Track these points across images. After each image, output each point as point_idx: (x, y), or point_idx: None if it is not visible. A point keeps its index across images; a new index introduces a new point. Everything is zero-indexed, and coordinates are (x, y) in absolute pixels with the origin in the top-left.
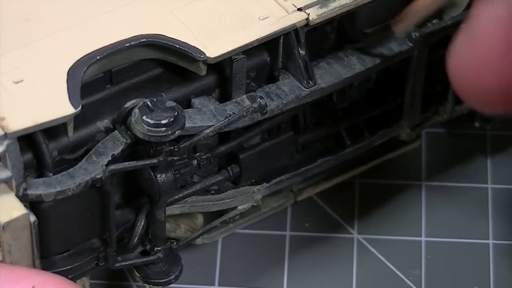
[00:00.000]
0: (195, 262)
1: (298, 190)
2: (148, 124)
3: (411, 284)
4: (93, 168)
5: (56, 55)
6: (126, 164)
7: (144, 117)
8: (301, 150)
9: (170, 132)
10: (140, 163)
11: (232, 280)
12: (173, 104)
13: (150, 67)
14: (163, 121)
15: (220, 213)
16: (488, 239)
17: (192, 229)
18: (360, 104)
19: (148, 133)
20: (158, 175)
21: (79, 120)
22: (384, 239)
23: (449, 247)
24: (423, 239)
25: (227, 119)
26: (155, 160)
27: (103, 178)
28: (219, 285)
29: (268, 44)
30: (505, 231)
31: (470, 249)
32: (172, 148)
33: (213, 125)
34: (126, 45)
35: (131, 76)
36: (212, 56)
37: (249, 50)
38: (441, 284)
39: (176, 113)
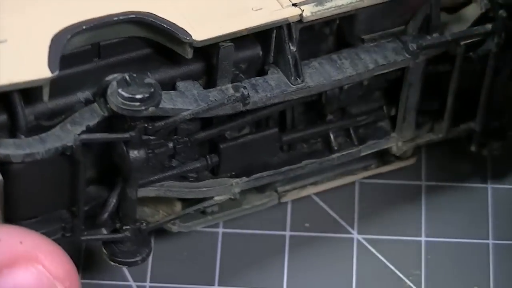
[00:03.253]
0: (195, 262)
1: (282, 192)
2: (123, 97)
3: (411, 284)
4: (66, 135)
5: (44, 22)
6: (98, 135)
7: (119, 90)
8: (287, 150)
9: (143, 108)
10: (112, 136)
11: (232, 280)
12: (151, 81)
13: (139, 46)
14: (138, 96)
15: (199, 202)
16: (488, 239)
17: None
18: (352, 110)
19: (122, 106)
20: (131, 151)
21: (60, 88)
22: (384, 239)
23: (449, 247)
24: (423, 239)
25: (207, 105)
26: (127, 135)
27: (74, 146)
28: (219, 285)
29: (262, 38)
30: (505, 231)
31: (470, 249)
32: (146, 125)
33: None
34: (114, 19)
35: (119, 52)
36: (198, 39)
37: (242, 42)
38: (441, 284)
39: (152, 89)
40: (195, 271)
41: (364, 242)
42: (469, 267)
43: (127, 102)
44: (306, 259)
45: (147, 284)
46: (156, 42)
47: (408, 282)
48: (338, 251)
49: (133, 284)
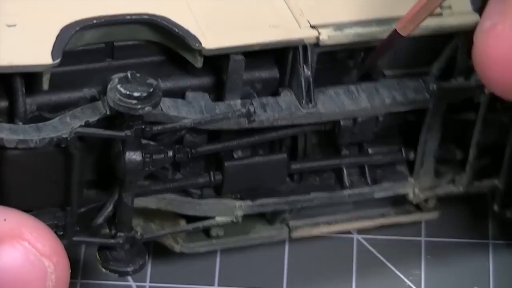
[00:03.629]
0: (195, 262)
1: (294, 227)
2: (120, 93)
3: (411, 284)
4: (63, 127)
5: (58, 14)
6: (93, 130)
7: (118, 86)
8: (298, 180)
9: (139, 106)
10: (107, 132)
11: (232, 280)
12: (153, 82)
13: (154, 52)
14: (135, 94)
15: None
16: (488, 239)
17: (175, 235)
18: (368, 148)
19: (118, 102)
20: (127, 152)
21: (67, 82)
22: (384, 239)
23: (449, 247)
24: (423, 239)
25: (210, 116)
26: (122, 133)
27: (69, 138)
28: (219, 285)
29: (279, 60)
30: (505, 231)
31: (470, 249)
32: (143, 127)
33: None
34: (126, 18)
35: (133, 55)
36: (207, 47)
37: (260, 62)
38: (441, 284)
39: (151, 90)
40: (195, 271)
41: (364, 242)
42: (469, 267)
43: (124, 99)
44: (306, 259)
45: (147, 284)
46: (170, 50)
47: (408, 282)
48: (338, 251)
49: (133, 284)
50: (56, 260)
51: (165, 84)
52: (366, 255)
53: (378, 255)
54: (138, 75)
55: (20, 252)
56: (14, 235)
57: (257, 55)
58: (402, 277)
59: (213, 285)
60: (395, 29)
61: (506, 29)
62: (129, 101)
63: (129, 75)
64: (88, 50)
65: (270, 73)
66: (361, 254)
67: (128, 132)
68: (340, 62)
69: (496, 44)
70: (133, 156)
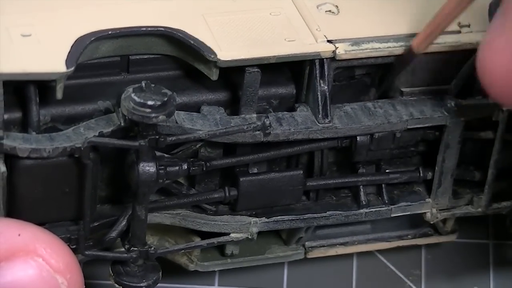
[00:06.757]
0: None
1: (310, 247)
2: (134, 102)
3: (411, 284)
4: (76, 137)
5: (73, 25)
6: (107, 140)
7: (132, 95)
8: (314, 198)
9: (153, 115)
10: (121, 142)
11: (232, 280)
12: (168, 92)
13: (169, 66)
14: (149, 102)
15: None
16: (488, 239)
17: (189, 252)
18: (385, 167)
19: (132, 111)
20: (140, 163)
21: (82, 95)
22: None
23: (449, 247)
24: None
25: (224, 128)
26: (136, 143)
27: (82, 148)
28: (219, 285)
29: (296, 77)
30: (505, 232)
31: (470, 249)
32: (157, 137)
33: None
34: (141, 30)
35: (148, 69)
36: (222, 58)
37: (277, 79)
38: (441, 284)
39: (166, 99)
40: (195, 271)
41: None
42: (469, 267)
43: (138, 107)
44: (306, 259)
45: None
46: (186, 64)
47: (408, 282)
48: None
49: None
50: (70, 277)
51: (181, 99)
52: (366, 255)
53: (378, 255)
54: (152, 85)
55: (33, 268)
56: (28, 251)
57: (274, 71)
58: (402, 277)
59: (213, 285)
60: (410, 47)
61: (502, 43)
62: (143, 109)
63: (143, 84)
64: (104, 63)
65: (286, 89)
66: (361, 254)
67: (142, 142)
68: (358, 80)
69: (493, 58)
70: (147, 167)
